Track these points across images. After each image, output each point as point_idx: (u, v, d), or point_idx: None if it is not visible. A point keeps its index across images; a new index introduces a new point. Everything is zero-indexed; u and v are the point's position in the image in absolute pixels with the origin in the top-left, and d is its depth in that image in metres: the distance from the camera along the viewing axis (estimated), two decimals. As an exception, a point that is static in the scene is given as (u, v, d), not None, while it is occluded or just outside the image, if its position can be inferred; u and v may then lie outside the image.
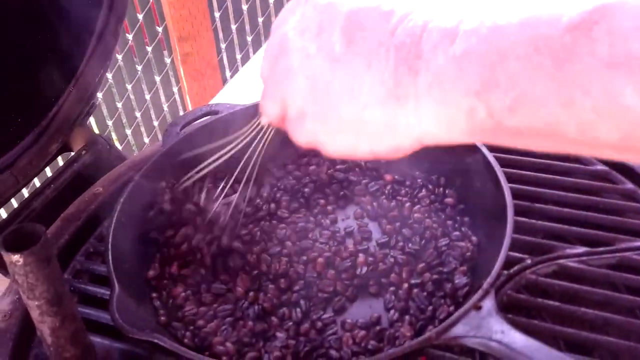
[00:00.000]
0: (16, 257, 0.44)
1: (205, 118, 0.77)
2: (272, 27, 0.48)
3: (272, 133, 0.55)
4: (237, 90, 1.23)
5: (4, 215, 1.15)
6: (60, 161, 1.04)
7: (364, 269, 0.62)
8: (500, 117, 0.35)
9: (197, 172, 0.63)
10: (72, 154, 0.81)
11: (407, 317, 0.57)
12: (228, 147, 0.59)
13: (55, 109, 0.75)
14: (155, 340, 0.51)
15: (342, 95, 0.41)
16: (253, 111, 0.73)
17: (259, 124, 0.55)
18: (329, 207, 0.71)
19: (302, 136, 0.46)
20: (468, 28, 0.36)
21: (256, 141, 0.56)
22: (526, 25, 0.33)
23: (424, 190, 0.70)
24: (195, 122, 0.77)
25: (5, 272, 0.69)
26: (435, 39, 0.37)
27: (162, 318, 0.59)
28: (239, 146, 0.58)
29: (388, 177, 0.72)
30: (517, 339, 0.47)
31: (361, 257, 0.63)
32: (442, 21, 0.37)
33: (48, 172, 0.91)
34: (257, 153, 0.57)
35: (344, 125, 0.42)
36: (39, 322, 0.49)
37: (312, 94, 0.43)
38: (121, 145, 1.97)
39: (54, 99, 0.76)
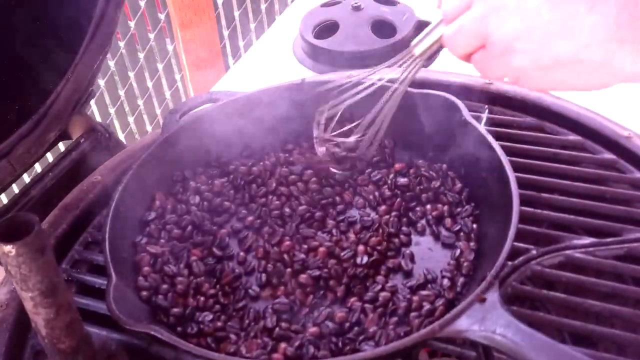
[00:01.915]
0: (8, 248, 0.43)
1: (204, 105, 0.75)
2: None
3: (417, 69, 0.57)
4: (239, 78, 1.21)
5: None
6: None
7: (365, 259, 0.61)
8: None
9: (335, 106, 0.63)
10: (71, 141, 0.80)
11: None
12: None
13: (53, 97, 0.74)
14: (152, 332, 0.50)
15: (561, 35, 0.44)
16: (254, 99, 0.73)
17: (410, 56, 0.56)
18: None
19: (501, 70, 0.48)
20: None
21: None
22: None
23: (427, 179, 0.68)
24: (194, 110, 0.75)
25: None
26: None
27: (144, 293, 0.59)
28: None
29: (397, 166, 0.71)
30: (522, 332, 0.46)
31: (361, 247, 0.62)
32: None
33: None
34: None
35: (558, 62, 0.45)
36: (33, 314, 0.48)
37: (527, 32, 0.45)
38: (124, 133, 1.96)
39: (52, 86, 0.75)
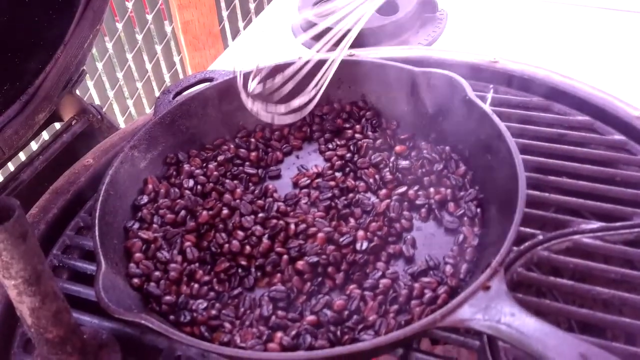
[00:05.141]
0: (-13, 234, 0.41)
1: (199, 85, 0.73)
2: None
3: None
4: (237, 56, 1.18)
5: None
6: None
7: (364, 245, 0.59)
8: None
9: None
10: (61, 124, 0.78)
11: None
12: None
13: (42, 77, 0.71)
14: (143, 322, 0.48)
15: None
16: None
17: None
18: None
19: None
20: None
21: None
22: None
23: (430, 162, 0.66)
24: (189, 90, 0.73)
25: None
26: None
27: (135, 280, 0.57)
28: None
29: (398, 148, 0.68)
30: (528, 322, 0.44)
31: (361, 232, 0.60)
32: None
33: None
34: None
35: None
36: (18, 302, 0.46)
37: None
38: (123, 117, 1.94)
39: (41, 66, 0.72)
